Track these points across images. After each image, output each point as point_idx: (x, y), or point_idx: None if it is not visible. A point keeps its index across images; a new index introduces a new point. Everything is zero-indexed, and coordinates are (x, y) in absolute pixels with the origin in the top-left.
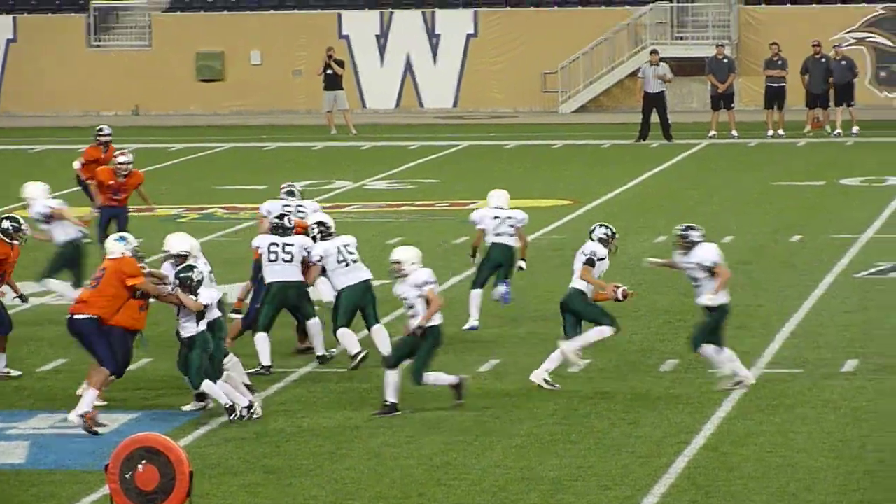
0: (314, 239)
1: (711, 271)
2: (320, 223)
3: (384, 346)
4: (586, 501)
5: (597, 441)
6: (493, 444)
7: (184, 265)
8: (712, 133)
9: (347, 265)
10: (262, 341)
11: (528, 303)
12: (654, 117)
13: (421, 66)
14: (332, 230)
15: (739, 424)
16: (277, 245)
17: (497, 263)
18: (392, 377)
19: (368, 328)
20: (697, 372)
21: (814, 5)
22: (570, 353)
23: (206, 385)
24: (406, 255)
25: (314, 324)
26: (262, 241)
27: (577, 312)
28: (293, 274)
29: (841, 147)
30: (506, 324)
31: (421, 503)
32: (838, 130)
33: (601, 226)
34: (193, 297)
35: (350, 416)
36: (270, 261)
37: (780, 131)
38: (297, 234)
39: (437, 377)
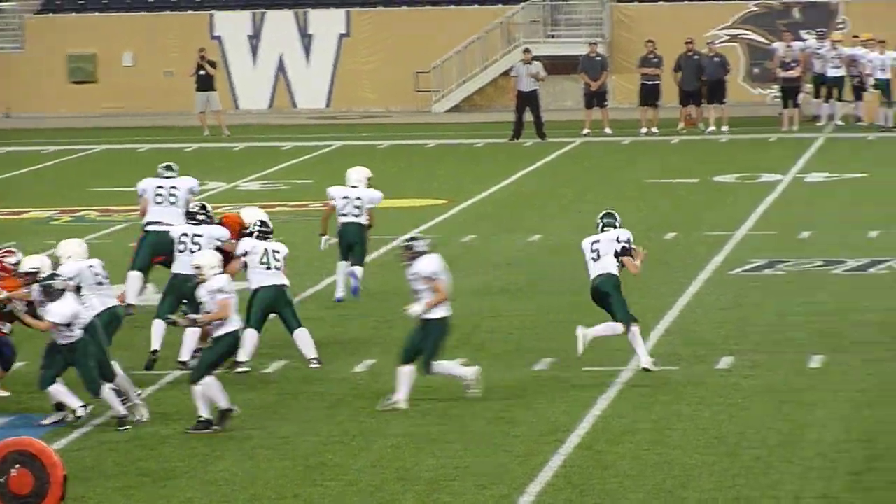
0: (251, 235)
1: (431, 283)
2: (262, 223)
3: (308, 348)
4: (463, 501)
5: (473, 440)
6: (369, 444)
7: (50, 273)
8: (586, 131)
9: (269, 269)
10: (157, 327)
11: (401, 302)
12: (528, 116)
13: (293, 66)
14: (271, 233)
15: (615, 422)
16: (187, 235)
17: (348, 242)
18: (201, 390)
19: (291, 331)
20: (573, 370)
21: (686, 2)
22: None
23: (105, 392)
24: (205, 260)
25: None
26: (175, 231)
27: (612, 298)
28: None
29: (714, 144)
30: (380, 324)
31: None
32: (711, 127)
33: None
34: (60, 308)
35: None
36: (180, 251)
37: (654, 129)
38: (225, 226)
39: (206, 390)
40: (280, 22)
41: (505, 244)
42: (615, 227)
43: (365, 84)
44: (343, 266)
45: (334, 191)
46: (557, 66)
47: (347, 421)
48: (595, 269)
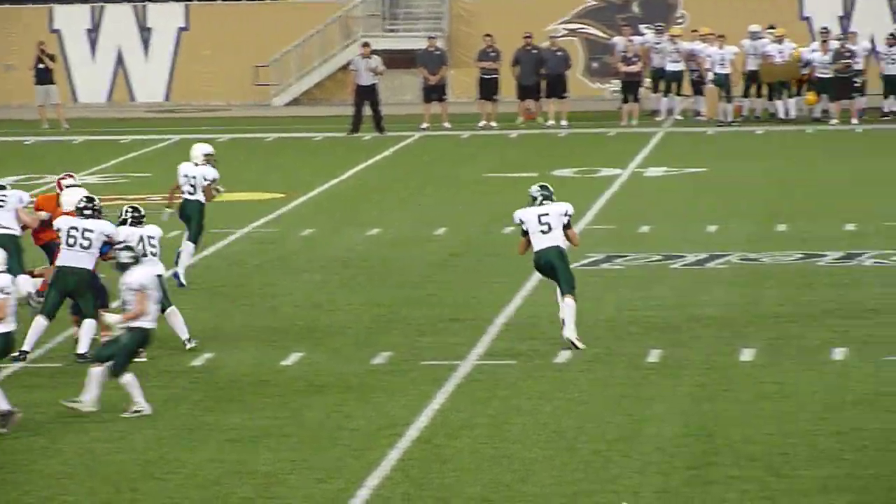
0: (124, 223)
1: (138, 295)
2: (135, 209)
3: (181, 328)
4: (301, 494)
5: (310, 434)
6: (207, 437)
7: None
8: (425, 125)
9: (146, 255)
10: (37, 325)
11: (239, 295)
12: (367, 110)
13: (132, 59)
14: (143, 218)
15: (453, 416)
16: (77, 229)
17: (186, 218)
18: None
19: (162, 311)
20: (411, 364)
21: None
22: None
23: None
24: None
25: (89, 321)
26: (62, 223)
27: (562, 269)
28: (83, 261)
29: (554, 138)
30: (218, 317)
31: (134, 498)
32: (550, 122)
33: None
34: None
35: (63, 412)
36: (68, 245)
37: (493, 123)
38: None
39: None
40: (119, 15)
41: (344, 238)
42: (552, 200)
43: (204, 78)
44: (184, 244)
45: (180, 167)
46: (396, 60)
47: (185, 415)
48: (545, 241)
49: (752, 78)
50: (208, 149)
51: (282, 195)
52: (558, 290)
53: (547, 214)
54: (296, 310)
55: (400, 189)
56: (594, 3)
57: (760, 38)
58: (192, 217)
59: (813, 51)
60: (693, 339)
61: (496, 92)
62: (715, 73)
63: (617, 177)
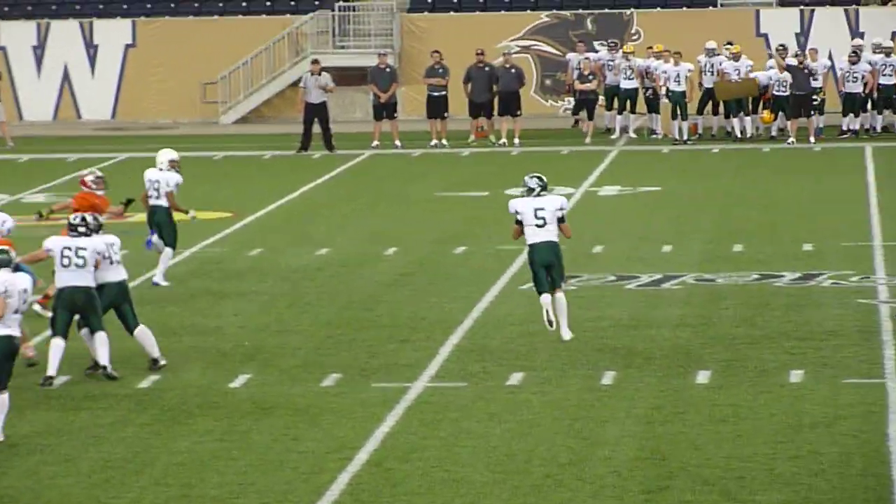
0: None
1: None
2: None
3: (151, 346)
4: None
5: (258, 457)
6: (154, 461)
7: None
8: (375, 143)
9: (111, 263)
10: (55, 348)
11: (187, 316)
12: (317, 128)
13: (79, 77)
14: (96, 228)
15: (403, 439)
16: (70, 249)
17: (156, 225)
18: None
19: (130, 331)
20: (361, 386)
21: (477, 13)
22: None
23: None
24: None
25: (101, 334)
26: (54, 245)
27: (557, 265)
28: (83, 279)
29: (506, 157)
30: (164, 338)
31: None
32: (503, 140)
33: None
34: None
35: (9, 434)
36: (63, 266)
37: (444, 141)
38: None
39: None
40: (65, 32)
41: (292, 258)
42: (547, 191)
43: (152, 95)
44: (160, 251)
45: (147, 173)
46: (346, 77)
47: (131, 438)
48: (540, 235)
49: (707, 95)
50: (174, 155)
51: (230, 214)
52: (543, 289)
53: (543, 209)
54: (243, 331)
55: (350, 208)
56: (547, 19)
57: (717, 55)
58: (162, 223)
59: (770, 68)
60: (647, 360)
61: (445, 110)
62: (670, 91)
63: (570, 196)
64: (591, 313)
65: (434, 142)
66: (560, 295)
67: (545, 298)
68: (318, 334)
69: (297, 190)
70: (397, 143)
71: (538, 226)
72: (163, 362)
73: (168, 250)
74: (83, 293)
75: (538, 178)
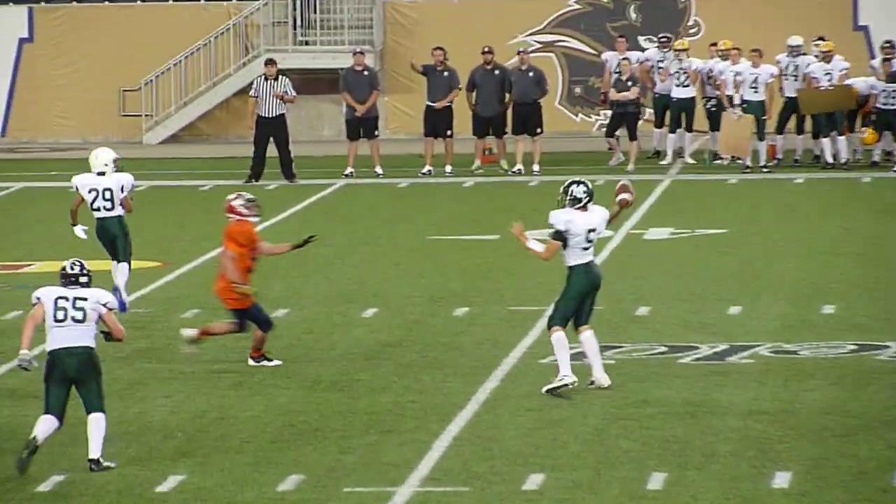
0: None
1: None
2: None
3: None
4: None
5: None
6: None
7: None
8: (349, 171)
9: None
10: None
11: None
12: (272, 149)
13: None
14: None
15: None
16: (67, 300)
17: (108, 239)
18: None
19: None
20: (329, 491)
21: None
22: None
23: None
24: None
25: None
26: (45, 296)
27: (594, 296)
28: (82, 338)
29: (522, 188)
30: (75, 426)
31: None
32: (518, 167)
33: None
34: None
35: None
36: (58, 321)
37: (448, 168)
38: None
39: None
40: None
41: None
42: (589, 202)
43: (54, 106)
44: (115, 266)
45: (80, 180)
46: (311, 83)
47: None
48: (585, 257)
49: (790, 108)
50: (113, 154)
51: (158, 264)
52: (563, 324)
53: (594, 230)
54: (174, 417)
55: (314, 257)
56: (577, 6)
57: (802, 54)
58: (117, 235)
59: (871, 72)
60: (709, 458)
61: (449, 126)
62: (743, 101)
63: (608, 241)
64: (634, 396)
65: (428, 168)
66: (591, 333)
67: (562, 338)
68: (275, 423)
69: None
70: (378, 169)
71: (584, 248)
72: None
73: (125, 265)
74: (78, 357)
75: (585, 185)
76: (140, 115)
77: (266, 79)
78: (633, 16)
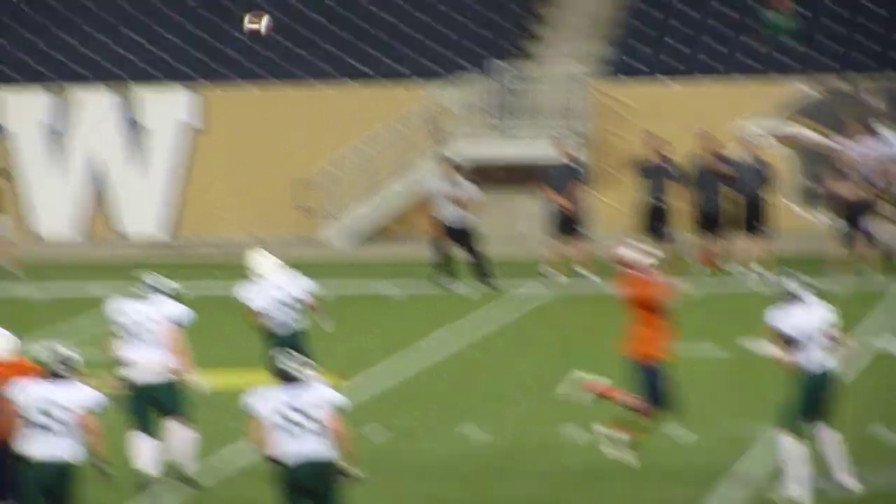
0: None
1: None
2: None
3: None
4: None
5: None
6: None
7: None
8: (553, 273)
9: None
10: None
11: None
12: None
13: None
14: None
15: None
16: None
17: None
18: None
19: None
20: None
21: (699, 76)
22: None
23: None
24: None
25: None
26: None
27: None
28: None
29: (756, 298)
30: None
31: None
32: (758, 269)
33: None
34: None
35: None
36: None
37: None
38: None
39: None
40: (92, 105)
41: (430, 444)
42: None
43: (217, 199)
44: None
45: (257, 297)
46: (510, 173)
47: None
48: (820, 357)
49: None
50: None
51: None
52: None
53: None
54: None
55: (531, 379)
56: (809, 90)
57: None
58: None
59: None
60: None
61: (665, 223)
62: None
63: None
64: None
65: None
66: (832, 433)
67: (801, 453)
68: None
69: (443, 353)
70: (584, 271)
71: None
72: None
73: None
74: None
75: (798, 278)
76: (317, 210)
77: (447, 179)
78: (873, 101)
